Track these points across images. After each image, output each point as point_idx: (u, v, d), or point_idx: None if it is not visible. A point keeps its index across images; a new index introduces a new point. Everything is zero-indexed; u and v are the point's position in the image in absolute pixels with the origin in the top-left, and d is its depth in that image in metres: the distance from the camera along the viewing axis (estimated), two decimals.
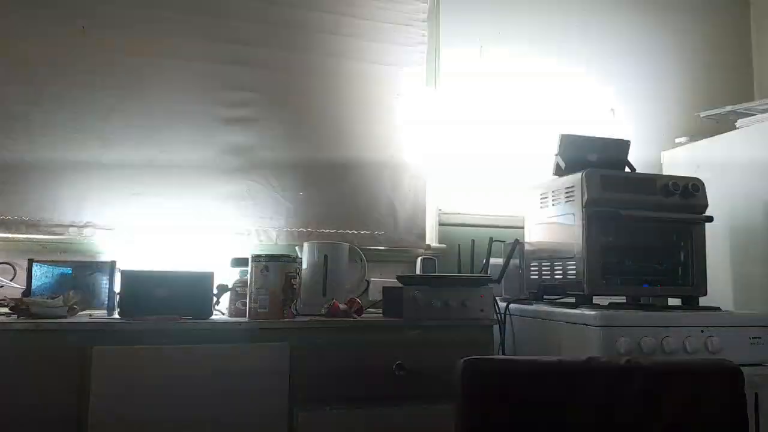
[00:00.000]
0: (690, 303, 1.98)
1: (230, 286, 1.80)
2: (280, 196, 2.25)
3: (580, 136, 2.19)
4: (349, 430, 1.62)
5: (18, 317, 1.51)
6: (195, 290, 1.65)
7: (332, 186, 2.31)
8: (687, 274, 1.99)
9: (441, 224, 2.45)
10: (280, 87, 2.29)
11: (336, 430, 1.61)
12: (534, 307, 1.99)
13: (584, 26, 2.75)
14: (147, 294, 1.61)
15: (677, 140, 2.62)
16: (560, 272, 1.99)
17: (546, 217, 2.10)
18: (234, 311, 1.78)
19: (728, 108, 2.50)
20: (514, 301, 2.07)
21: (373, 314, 1.89)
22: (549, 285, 2.04)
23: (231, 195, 2.20)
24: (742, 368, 1.12)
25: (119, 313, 1.60)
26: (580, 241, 1.88)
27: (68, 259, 1.91)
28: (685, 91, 2.86)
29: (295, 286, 1.69)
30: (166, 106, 2.16)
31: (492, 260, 2.19)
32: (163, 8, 2.18)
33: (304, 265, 1.87)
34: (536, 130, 2.60)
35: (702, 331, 1.75)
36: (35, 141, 2.03)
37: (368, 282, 2.08)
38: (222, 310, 1.83)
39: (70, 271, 1.79)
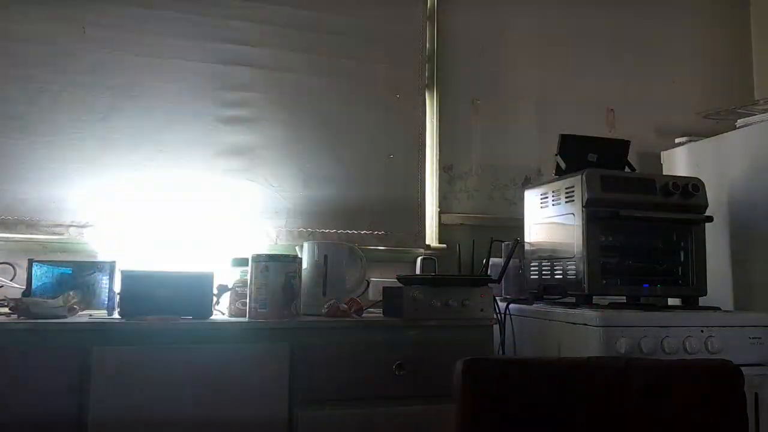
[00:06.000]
0: (690, 303, 1.98)
1: (230, 286, 1.80)
2: (280, 196, 2.25)
3: (580, 136, 2.20)
4: (350, 430, 1.62)
5: (18, 317, 1.51)
6: (195, 290, 1.65)
7: (332, 186, 2.31)
8: (687, 274, 1.99)
9: (441, 224, 2.45)
10: (279, 87, 2.29)
11: (336, 430, 1.61)
12: (534, 307, 1.99)
13: (584, 25, 2.75)
14: (147, 294, 1.60)
15: (677, 140, 2.62)
16: (560, 272, 1.99)
17: (546, 217, 2.10)
18: (234, 311, 1.78)
19: (728, 108, 2.50)
20: (514, 301, 2.07)
21: (373, 314, 1.89)
22: (549, 285, 2.04)
23: (231, 194, 2.20)
24: (742, 368, 1.12)
25: (119, 313, 1.60)
26: (580, 241, 1.88)
27: (68, 259, 1.91)
28: (685, 91, 2.86)
29: (295, 286, 1.69)
30: (166, 105, 2.16)
31: (492, 260, 2.19)
32: (163, 8, 2.19)
33: (304, 265, 1.87)
34: (535, 129, 2.60)
35: (702, 331, 1.75)
36: (35, 141, 2.03)
37: (368, 282, 2.08)
38: (222, 310, 1.83)
39: (70, 271, 1.79)
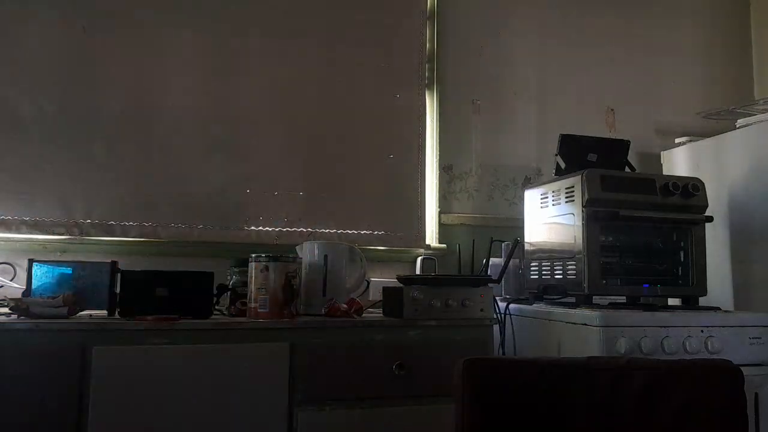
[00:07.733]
0: (690, 303, 1.98)
1: (230, 286, 1.80)
2: (280, 196, 2.25)
3: (580, 136, 2.20)
4: (349, 429, 1.62)
5: (18, 317, 1.51)
6: (195, 290, 1.65)
7: (332, 186, 2.31)
8: (687, 274, 1.99)
9: (441, 224, 2.45)
10: (279, 86, 2.29)
11: (336, 430, 1.61)
12: (534, 307, 1.99)
13: (583, 25, 2.75)
14: (147, 294, 1.61)
15: (677, 140, 2.62)
16: (560, 272, 1.99)
17: (546, 217, 2.10)
18: (234, 311, 1.78)
19: (728, 108, 2.50)
20: (514, 301, 2.07)
21: (373, 314, 1.89)
22: (549, 285, 2.04)
23: (231, 195, 2.20)
24: (742, 368, 1.12)
25: (119, 313, 1.60)
26: (580, 241, 1.88)
27: (68, 259, 1.91)
28: (685, 91, 2.86)
29: (295, 286, 1.69)
30: (166, 105, 2.16)
31: (492, 260, 2.19)
32: (162, 7, 2.19)
33: (304, 265, 1.87)
34: (535, 129, 2.60)
35: (702, 331, 1.75)
36: (35, 141, 2.03)
37: (368, 282, 2.08)
38: (222, 310, 1.83)
39: (70, 271, 1.78)
